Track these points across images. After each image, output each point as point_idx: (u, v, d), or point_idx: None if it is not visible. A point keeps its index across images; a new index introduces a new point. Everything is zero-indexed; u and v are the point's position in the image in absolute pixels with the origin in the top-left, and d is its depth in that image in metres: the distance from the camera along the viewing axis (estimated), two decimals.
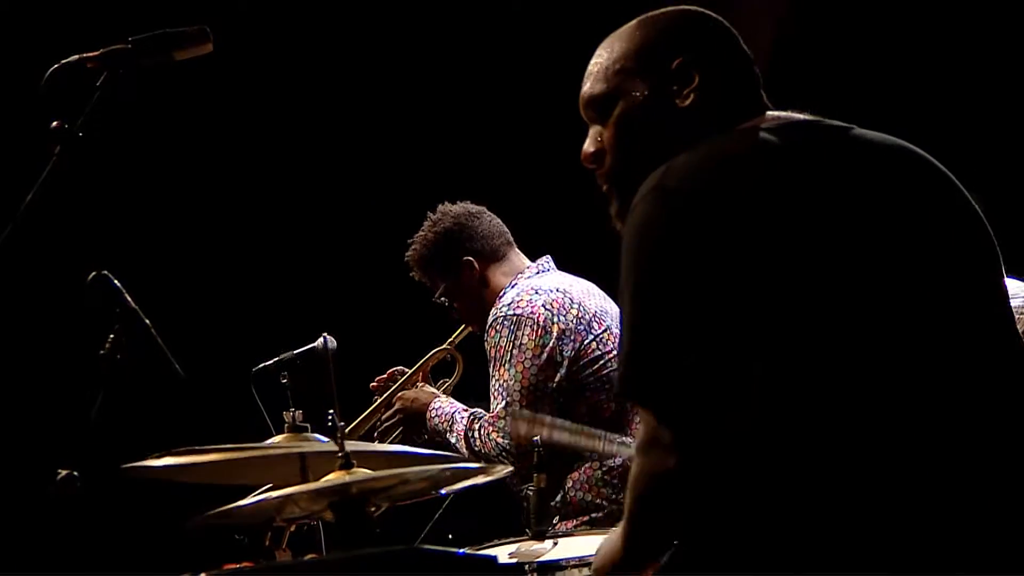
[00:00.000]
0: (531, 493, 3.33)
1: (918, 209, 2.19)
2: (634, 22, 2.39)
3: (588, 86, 2.38)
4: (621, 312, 2.18)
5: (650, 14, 2.40)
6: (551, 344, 4.12)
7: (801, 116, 2.31)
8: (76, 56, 2.79)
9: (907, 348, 2.10)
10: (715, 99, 2.30)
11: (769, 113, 2.32)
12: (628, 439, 3.82)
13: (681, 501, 2.09)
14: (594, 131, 2.38)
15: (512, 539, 3.35)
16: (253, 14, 5.94)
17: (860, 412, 2.05)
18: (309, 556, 3.50)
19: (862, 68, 5.52)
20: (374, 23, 6.12)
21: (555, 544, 3.29)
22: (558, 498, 4.10)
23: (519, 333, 4.13)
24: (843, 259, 2.12)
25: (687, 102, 2.30)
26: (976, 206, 2.26)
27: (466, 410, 4.28)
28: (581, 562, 3.09)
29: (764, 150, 2.22)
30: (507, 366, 4.12)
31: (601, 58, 2.37)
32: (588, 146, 2.38)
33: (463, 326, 4.51)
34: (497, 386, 4.15)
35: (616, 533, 2.22)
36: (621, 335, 2.16)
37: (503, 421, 4.09)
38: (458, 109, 6.14)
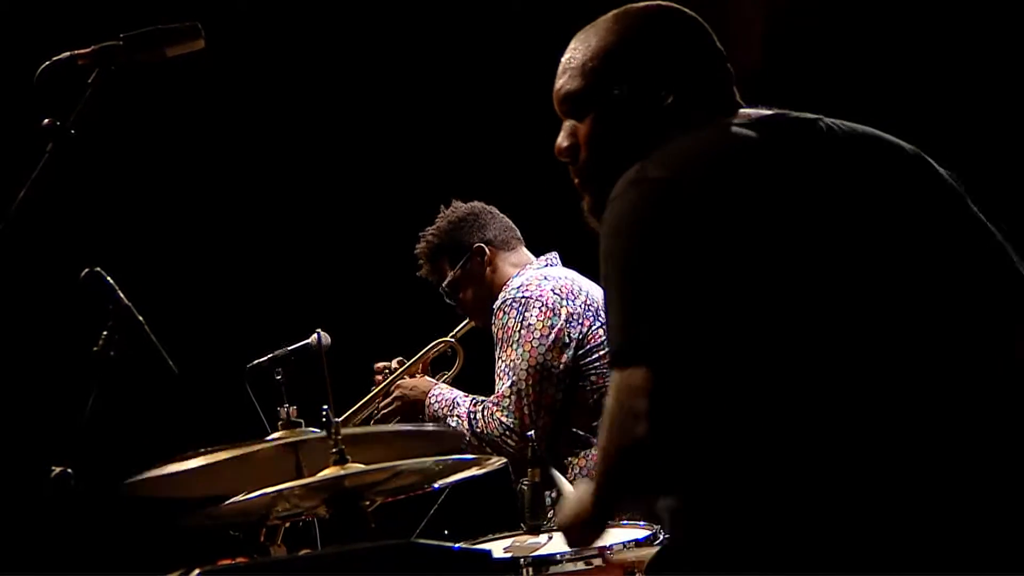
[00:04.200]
0: (525, 488, 3.33)
1: (886, 192, 2.21)
2: (609, 17, 2.40)
3: (563, 81, 2.38)
4: (606, 299, 2.18)
5: (626, 9, 2.40)
6: (559, 325, 4.13)
7: (767, 111, 2.34)
8: (67, 53, 2.78)
9: (882, 332, 2.11)
10: (689, 98, 2.32)
11: (741, 110, 2.34)
12: None
13: (649, 470, 2.09)
14: (568, 126, 2.39)
15: (507, 533, 3.36)
16: (252, 10, 5.93)
17: (840, 398, 2.06)
18: (304, 551, 3.50)
19: (852, 64, 5.52)
20: (372, 19, 6.10)
21: (550, 538, 3.29)
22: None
23: (527, 314, 4.14)
24: (817, 246, 2.13)
25: (662, 103, 2.31)
26: (954, 183, 2.27)
27: (467, 395, 4.28)
28: (576, 556, 3.09)
29: (740, 143, 2.24)
30: (515, 346, 4.13)
31: (576, 53, 2.38)
32: (562, 140, 2.40)
33: (467, 320, 4.51)
34: (503, 366, 4.16)
35: (584, 493, 2.22)
36: (608, 317, 2.16)
37: (508, 400, 4.09)
38: (456, 108, 6.13)
